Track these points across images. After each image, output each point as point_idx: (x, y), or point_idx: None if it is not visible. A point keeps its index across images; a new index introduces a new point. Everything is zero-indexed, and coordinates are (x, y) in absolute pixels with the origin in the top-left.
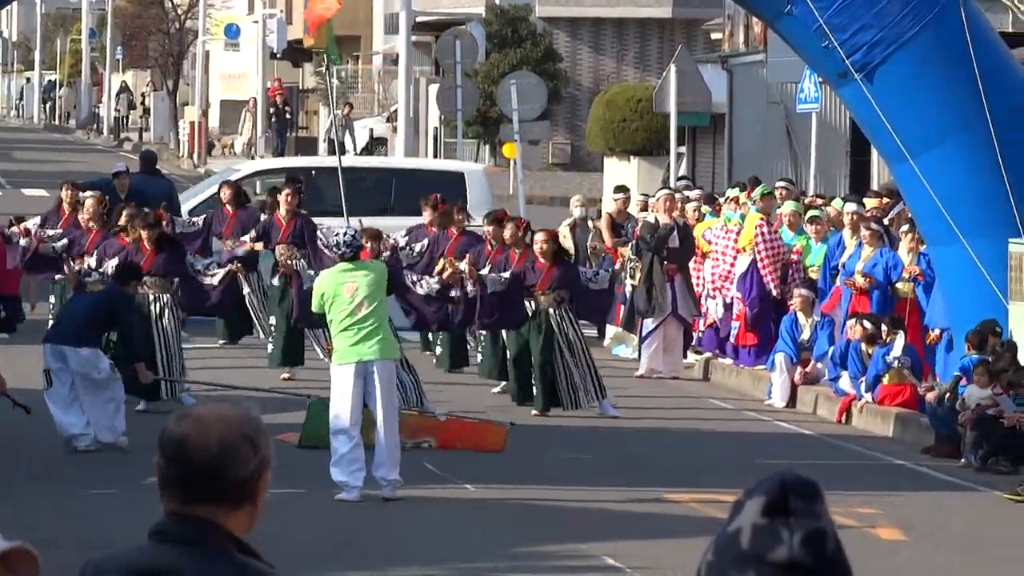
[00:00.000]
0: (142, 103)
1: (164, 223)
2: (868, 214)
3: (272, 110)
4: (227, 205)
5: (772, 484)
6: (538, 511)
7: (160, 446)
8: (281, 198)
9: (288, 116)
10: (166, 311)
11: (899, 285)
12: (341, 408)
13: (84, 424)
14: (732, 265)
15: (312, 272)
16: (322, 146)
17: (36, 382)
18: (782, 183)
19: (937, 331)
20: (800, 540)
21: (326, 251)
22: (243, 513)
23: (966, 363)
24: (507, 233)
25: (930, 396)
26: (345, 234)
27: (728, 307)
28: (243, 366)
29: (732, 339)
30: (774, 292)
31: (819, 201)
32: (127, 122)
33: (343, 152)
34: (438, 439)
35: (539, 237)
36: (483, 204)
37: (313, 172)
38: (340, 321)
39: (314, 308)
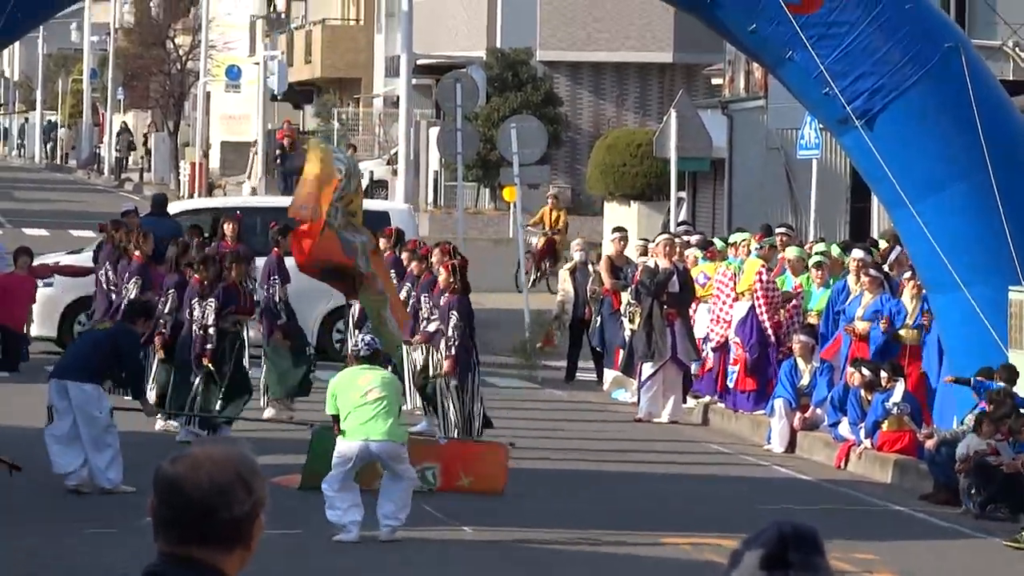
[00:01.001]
0: (144, 144)
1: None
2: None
3: (279, 152)
4: (228, 239)
5: (771, 536)
6: (535, 554)
7: (154, 486)
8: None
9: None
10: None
11: (903, 332)
12: (338, 472)
13: (80, 464)
14: (730, 309)
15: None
16: None
17: (35, 420)
18: (782, 229)
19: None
20: None
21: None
22: (235, 555)
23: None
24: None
25: (929, 443)
26: (365, 338)
27: (718, 349)
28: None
29: (731, 384)
30: (771, 338)
31: (820, 247)
32: (128, 163)
33: None
34: (441, 464)
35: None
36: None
37: (238, 211)
38: (351, 404)
39: (328, 409)
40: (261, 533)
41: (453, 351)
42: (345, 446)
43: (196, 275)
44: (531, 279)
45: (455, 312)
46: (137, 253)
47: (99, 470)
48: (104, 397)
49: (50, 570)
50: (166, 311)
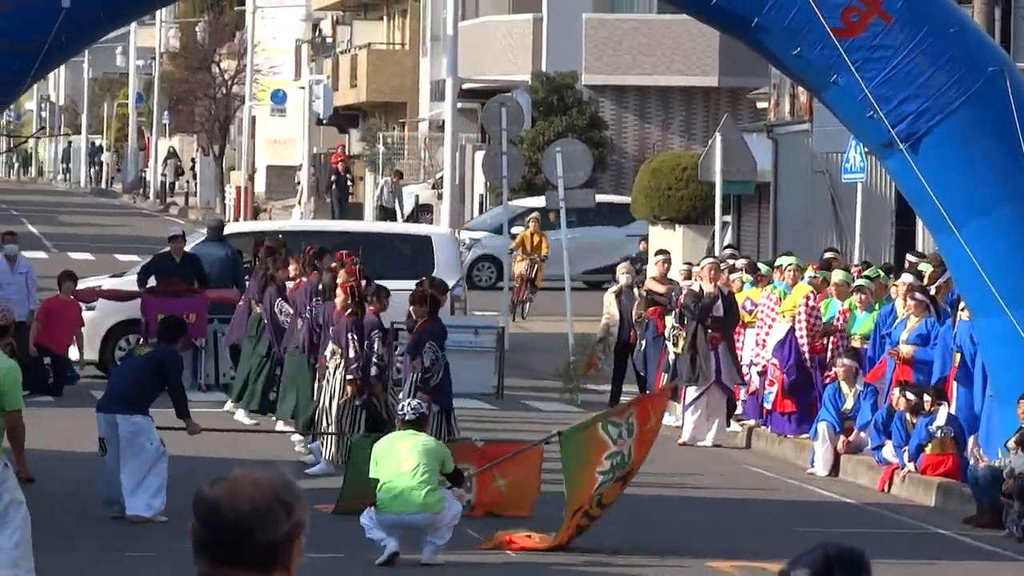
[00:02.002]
0: (191, 168)
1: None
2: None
3: (333, 177)
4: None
5: (816, 557)
6: None
7: (194, 508)
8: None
9: (349, 183)
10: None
11: (901, 348)
12: (376, 535)
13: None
14: (768, 331)
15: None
16: (370, 212)
17: (75, 445)
18: (830, 253)
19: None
20: None
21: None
22: (277, 574)
23: None
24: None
25: (971, 452)
26: (412, 403)
27: (762, 373)
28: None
29: (768, 405)
30: (807, 362)
31: (869, 271)
32: (175, 187)
33: (393, 218)
34: (475, 464)
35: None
36: (450, 267)
37: (280, 235)
38: (387, 473)
39: (371, 473)
40: (301, 558)
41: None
42: (382, 519)
43: (371, 307)
44: (516, 307)
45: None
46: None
47: (138, 498)
48: (154, 427)
49: None
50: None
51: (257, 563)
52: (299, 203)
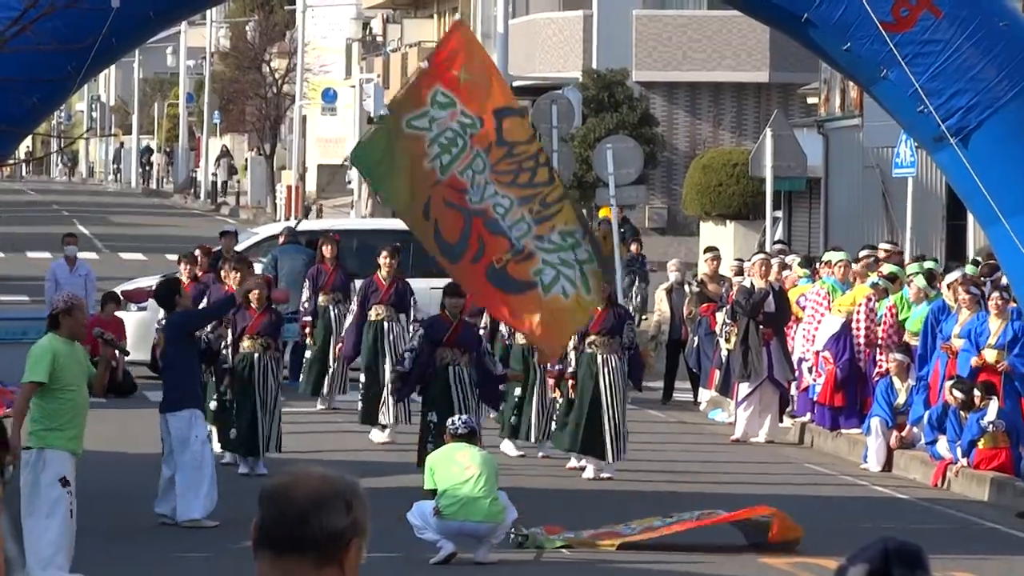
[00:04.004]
0: (244, 167)
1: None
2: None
3: None
4: (327, 262)
5: (875, 552)
6: (630, 574)
7: (259, 501)
8: (382, 261)
9: None
10: (268, 372)
11: (985, 352)
12: (431, 535)
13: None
14: (818, 326)
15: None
16: None
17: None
18: (886, 245)
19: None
20: None
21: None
22: (331, 572)
23: None
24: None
25: None
26: (462, 417)
27: (810, 369)
28: (339, 430)
29: (814, 397)
30: (861, 362)
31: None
32: (228, 187)
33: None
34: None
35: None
36: None
37: (331, 233)
38: (449, 481)
39: (425, 485)
40: (357, 562)
41: None
42: (443, 526)
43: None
44: None
45: None
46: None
47: (185, 500)
48: (199, 423)
49: None
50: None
51: (315, 549)
52: (359, 199)
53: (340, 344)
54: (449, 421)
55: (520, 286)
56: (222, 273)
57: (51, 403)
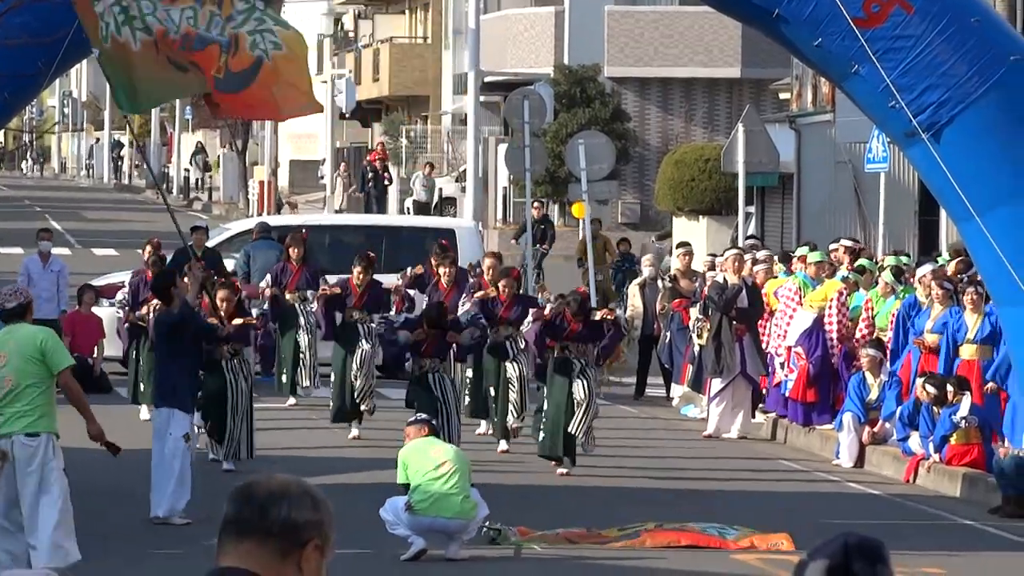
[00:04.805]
0: (216, 163)
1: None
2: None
3: (371, 174)
4: (292, 261)
5: (835, 547)
6: (604, 570)
7: (228, 498)
8: (354, 271)
9: (387, 182)
10: (240, 375)
11: (962, 348)
12: (402, 531)
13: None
14: (789, 322)
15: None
16: (394, 205)
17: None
18: (847, 241)
19: (992, 384)
20: None
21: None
22: (288, 572)
23: None
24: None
25: (1002, 450)
26: (422, 416)
27: (782, 365)
28: (314, 427)
29: (786, 393)
30: (834, 358)
31: (891, 259)
32: (202, 183)
33: (428, 211)
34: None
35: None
36: (474, 260)
37: (304, 230)
38: (421, 476)
39: (399, 479)
40: (319, 566)
41: None
42: (415, 521)
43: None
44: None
45: None
46: None
47: (162, 495)
48: (179, 421)
49: None
50: None
51: (274, 537)
52: (334, 198)
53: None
54: (418, 417)
55: (248, 74)
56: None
57: (51, 388)
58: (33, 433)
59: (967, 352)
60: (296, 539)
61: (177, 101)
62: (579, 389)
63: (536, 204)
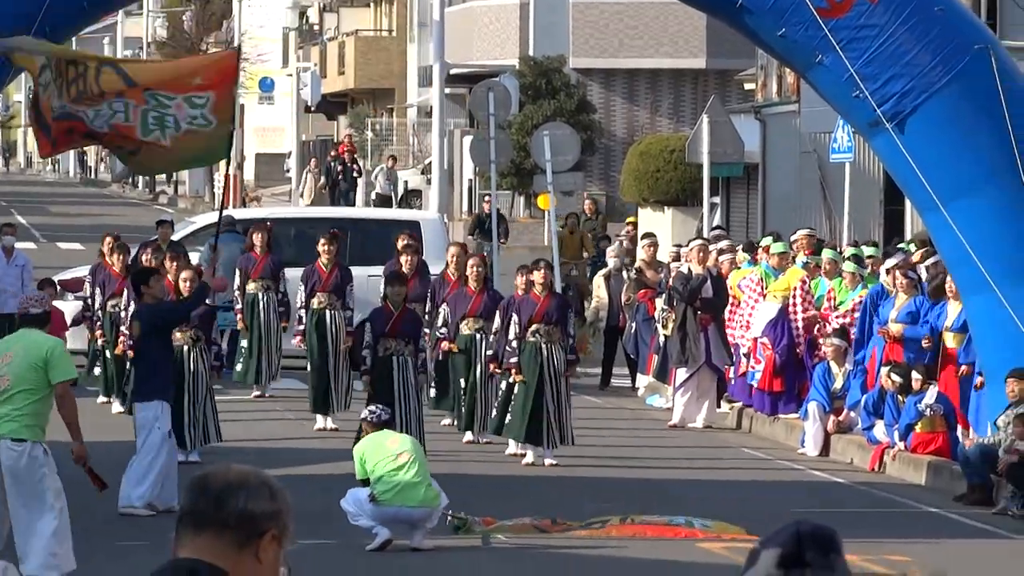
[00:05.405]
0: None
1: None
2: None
3: (340, 168)
4: (256, 249)
5: (788, 535)
6: (568, 560)
7: (185, 488)
8: (321, 248)
9: (356, 175)
10: (199, 362)
11: (945, 336)
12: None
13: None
14: (752, 312)
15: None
16: (360, 198)
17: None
18: (804, 231)
19: (980, 378)
20: None
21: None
22: (245, 561)
23: None
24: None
25: (968, 441)
26: (380, 407)
27: (749, 354)
28: (278, 418)
29: (754, 383)
30: (799, 347)
31: (866, 250)
32: (170, 177)
33: (389, 204)
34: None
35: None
36: (439, 252)
37: (266, 222)
38: (382, 468)
39: (358, 475)
40: (275, 559)
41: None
42: (379, 512)
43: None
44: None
45: None
46: None
47: (127, 486)
48: (166, 415)
49: None
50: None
51: (231, 528)
52: (302, 195)
53: (296, 336)
54: (367, 411)
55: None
56: (143, 259)
57: (47, 400)
58: (19, 439)
59: (949, 340)
60: (253, 530)
61: None
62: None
63: (488, 198)
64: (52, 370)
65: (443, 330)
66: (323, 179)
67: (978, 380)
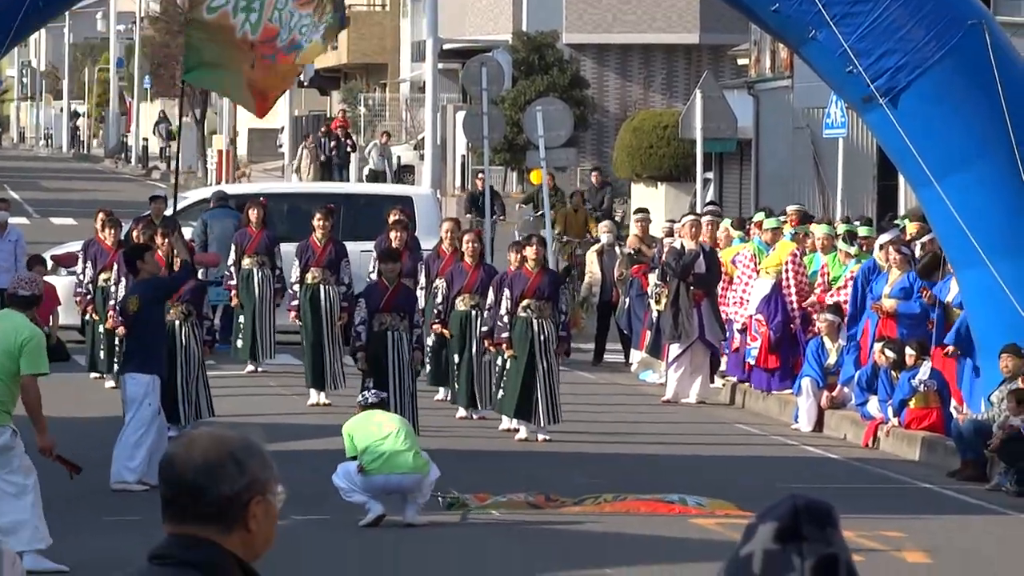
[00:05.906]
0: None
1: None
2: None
3: (333, 143)
4: (252, 225)
5: (785, 509)
6: (561, 536)
7: (158, 468)
8: (316, 223)
9: (349, 150)
10: (191, 337)
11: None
12: (358, 497)
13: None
14: (746, 288)
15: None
16: (352, 173)
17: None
18: (795, 206)
19: (951, 347)
20: (812, 567)
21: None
22: (236, 537)
23: None
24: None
25: (960, 416)
26: (372, 390)
27: (743, 330)
28: (272, 393)
29: (752, 360)
30: (795, 321)
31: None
32: (166, 152)
33: (384, 180)
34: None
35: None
36: (432, 227)
37: (260, 197)
38: (369, 440)
39: (347, 452)
40: (267, 518)
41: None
42: (368, 482)
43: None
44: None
45: None
46: None
47: (119, 463)
48: (135, 383)
49: (76, 555)
50: None
51: (213, 519)
52: (296, 170)
53: (291, 312)
54: (361, 396)
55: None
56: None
57: (14, 386)
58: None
59: (953, 315)
60: (235, 511)
61: (136, 68)
62: (539, 353)
63: (480, 175)
64: (24, 360)
65: (441, 306)
66: (321, 156)
67: (950, 348)
